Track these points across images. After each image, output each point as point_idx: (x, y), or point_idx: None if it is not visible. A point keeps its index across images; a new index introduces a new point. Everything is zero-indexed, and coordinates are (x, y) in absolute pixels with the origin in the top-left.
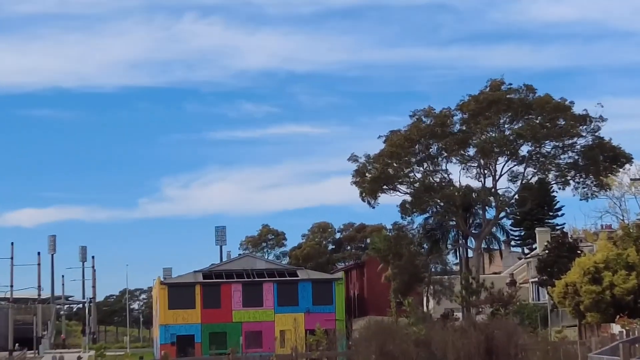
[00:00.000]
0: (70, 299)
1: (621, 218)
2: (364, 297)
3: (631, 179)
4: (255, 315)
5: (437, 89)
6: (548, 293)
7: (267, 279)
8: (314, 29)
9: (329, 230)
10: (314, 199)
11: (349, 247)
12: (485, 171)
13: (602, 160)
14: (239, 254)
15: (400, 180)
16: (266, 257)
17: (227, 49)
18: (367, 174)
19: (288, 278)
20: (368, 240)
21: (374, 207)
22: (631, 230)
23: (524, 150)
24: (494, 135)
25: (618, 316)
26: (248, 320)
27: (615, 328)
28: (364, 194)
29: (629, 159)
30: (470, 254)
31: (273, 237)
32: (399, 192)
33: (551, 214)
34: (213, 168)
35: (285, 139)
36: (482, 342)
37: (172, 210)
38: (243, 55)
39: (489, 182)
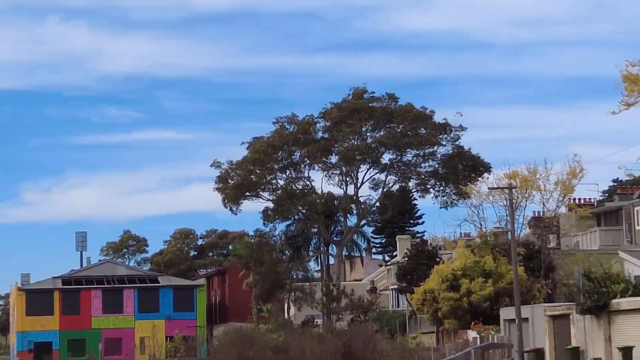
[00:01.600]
0: None
1: (479, 226)
2: (225, 304)
3: (489, 188)
4: (115, 322)
5: (304, 96)
6: (407, 300)
7: (127, 285)
8: (183, 34)
9: (191, 236)
10: (177, 205)
11: (211, 254)
12: (348, 179)
13: (462, 169)
14: (100, 260)
15: (262, 187)
16: (127, 263)
17: (92, 52)
18: (229, 181)
19: (149, 284)
20: (230, 247)
21: (236, 214)
22: (488, 239)
23: (386, 158)
24: (356, 143)
25: (473, 322)
26: (108, 327)
27: (471, 334)
28: (226, 201)
29: (487, 168)
30: (332, 261)
31: (134, 243)
32: (262, 199)
33: (412, 221)
34: (75, 173)
35: (149, 144)
36: (340, 348)
37: (31, 215)
38: (108, 59)
39: (351, 190)
